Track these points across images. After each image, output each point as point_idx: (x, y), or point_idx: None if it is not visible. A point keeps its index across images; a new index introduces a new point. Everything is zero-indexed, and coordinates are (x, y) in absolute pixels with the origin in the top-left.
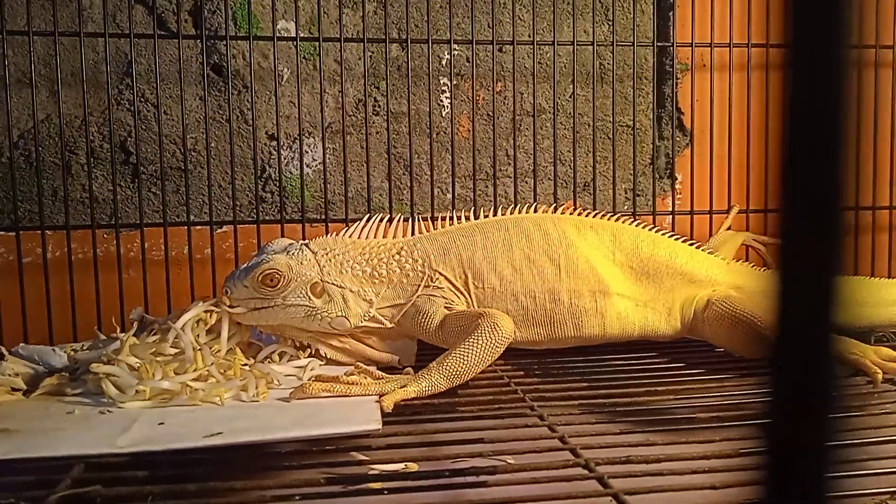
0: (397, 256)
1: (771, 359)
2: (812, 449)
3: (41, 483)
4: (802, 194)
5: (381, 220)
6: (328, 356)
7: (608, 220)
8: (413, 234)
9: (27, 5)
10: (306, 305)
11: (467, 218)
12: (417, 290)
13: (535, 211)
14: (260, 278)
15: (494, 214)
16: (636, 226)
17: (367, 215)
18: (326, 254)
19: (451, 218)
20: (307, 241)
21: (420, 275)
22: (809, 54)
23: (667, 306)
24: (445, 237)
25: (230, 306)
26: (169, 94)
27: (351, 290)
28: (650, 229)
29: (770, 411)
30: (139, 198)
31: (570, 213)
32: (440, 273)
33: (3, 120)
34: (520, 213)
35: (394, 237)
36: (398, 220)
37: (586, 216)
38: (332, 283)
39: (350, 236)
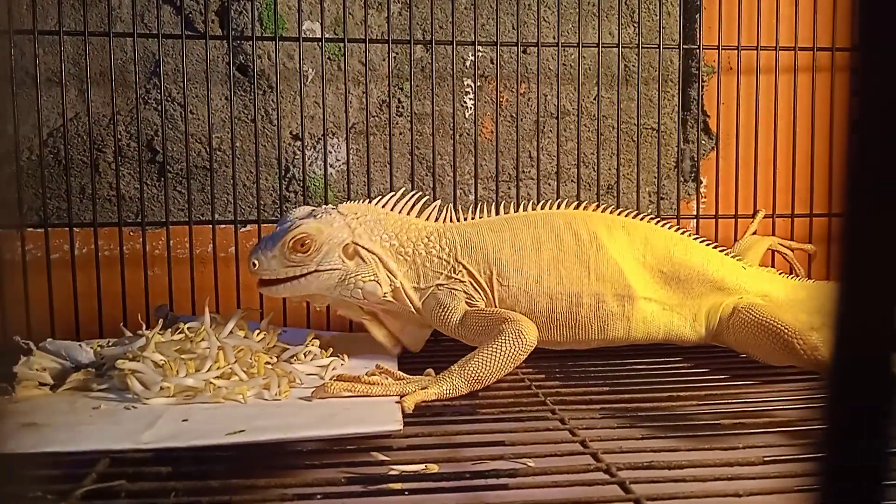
0: (426, 240)
1: (829, 367)
2: (869, 459)
3: (67, 477)
4: (871, 201)
5: (414, 199)
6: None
7: (641, 220)
8: (443, 220)
9: (58, 5)
10: (340, 269)
11: (497, 212)
12: (439, 278)
13: (567, 207)
14: (291, 244)
15: (525, 210)
16: (669, 228)
17: (403, 189)
18: (357, 217)
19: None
20: (332, 205)
21: (444, 263)
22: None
23: (693, 312)
24: (475, 230)
25: (259, 281)
26: (195, 93)
27: (380, 258)
28: (682, 233)
29: (826, 424)
30: (165, 196)
31: (602, 211)
32: (464, 266)
33: (32, 118)
34: (550, 208)
35: (426, 220)
36: (434, 206)
37: (618, 215)
38: (363, 248)
39: (383, 206)
